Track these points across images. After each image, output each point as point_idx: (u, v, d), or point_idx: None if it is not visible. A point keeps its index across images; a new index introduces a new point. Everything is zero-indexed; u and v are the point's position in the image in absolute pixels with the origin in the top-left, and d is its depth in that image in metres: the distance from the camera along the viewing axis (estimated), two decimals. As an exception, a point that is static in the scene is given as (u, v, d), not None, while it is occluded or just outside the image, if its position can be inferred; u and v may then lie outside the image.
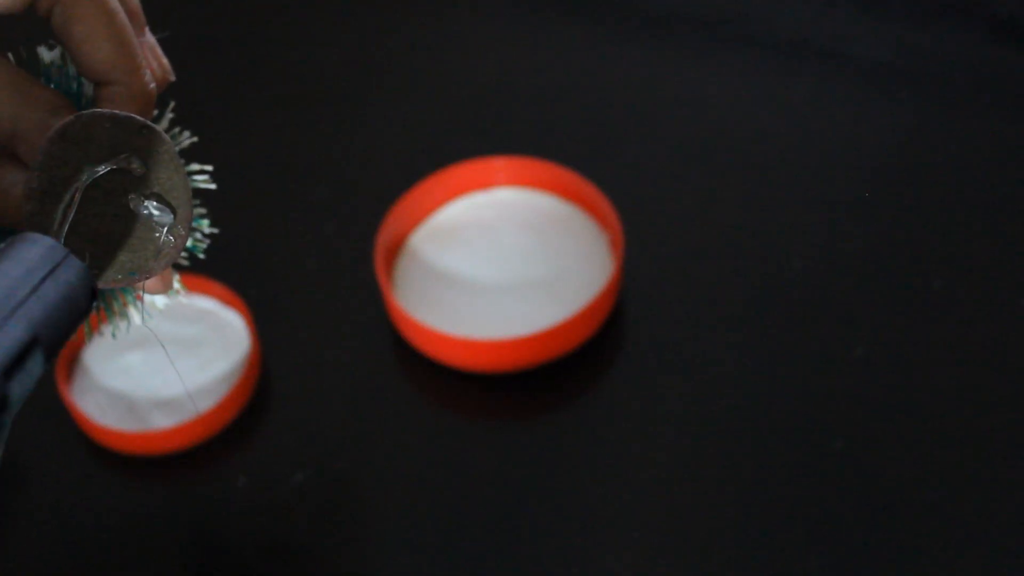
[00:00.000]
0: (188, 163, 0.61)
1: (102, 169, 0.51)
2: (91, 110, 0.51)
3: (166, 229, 0.52)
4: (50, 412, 0.82)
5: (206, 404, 0.80)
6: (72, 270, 0.46)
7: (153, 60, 0.59)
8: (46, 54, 0.58)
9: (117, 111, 0.51)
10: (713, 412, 0.78)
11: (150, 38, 0.60)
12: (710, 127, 0.92)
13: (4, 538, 0.78)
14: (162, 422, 0.80)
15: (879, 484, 0.75)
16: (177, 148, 0.62)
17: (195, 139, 0.61)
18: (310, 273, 0.87)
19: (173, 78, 0.61)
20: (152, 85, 0.55)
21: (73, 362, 0.83)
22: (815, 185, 0.88)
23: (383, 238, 0.84)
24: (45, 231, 0.50)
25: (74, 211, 0.50)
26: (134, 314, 0.59)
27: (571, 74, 0.96)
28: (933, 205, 0.86)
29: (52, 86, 0.56)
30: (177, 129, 0.62)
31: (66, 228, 0.50)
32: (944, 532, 0.73)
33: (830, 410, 0.78)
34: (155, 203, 0.52)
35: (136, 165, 0.51)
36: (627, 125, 0.92)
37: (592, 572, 0.74)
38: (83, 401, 0.81)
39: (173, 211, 0.52)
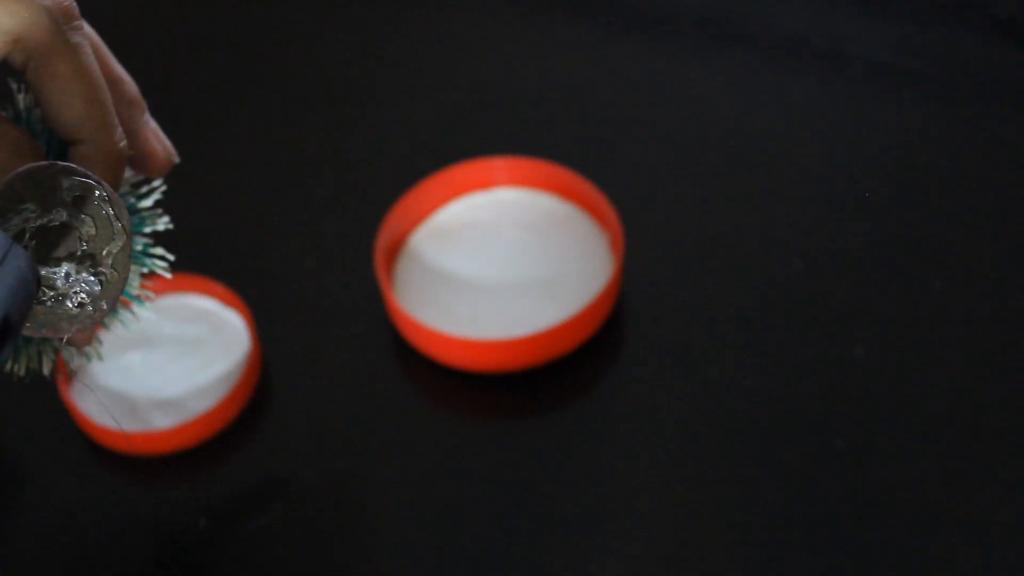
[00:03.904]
0: (156, 238, 0.59)
1: (36, 221, 0.49)
2: (49, 162, 0.50)
3: (87, 297, 0.51)
4: (50, 412, 0.82)
5: (206, 404, 0.80)
6: (21, 257, 0.46)
7: (156, 144, 0.59)
8: (22, 98, 0.57)
9: (78, 168, 0.50)
10: (713, 412, 0.78)
11: (151, 122, 0.60)
12: (710, 127, 0.92)
13: (4, 538, 0.78)
14: (162, 422, 0.80)
15: (879, 484, 0.75)
16: (150, 229, 0.61)
17: (171, 226, 0.60)
18: (310, 273, 0.87)
19: (177, 160, 0.60)
20: (123, 143, 0.54)
21: (73, 362, 0.83)
22: (815, 185, 0.88)
23: (383, 238, 0.84)
24: None
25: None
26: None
27: (571, 74, 0.96)
28: (933, 205, 0.86)
29: (24, 127, 0.56)
30: (159, 211, 0.61)
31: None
32: (944, 532, 0.73)
33: (830, 410, 0.78)
34: (85, 271, 0.51)
35: (73, 223, 0.50)
36: (627, 125, 0.92)
37: (592, 572, 0.74)
38: (83, 401, 0.81)
39: (102, 283, 0.51)
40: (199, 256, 0.89)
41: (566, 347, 0.81)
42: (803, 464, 0.76)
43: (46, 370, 0.59)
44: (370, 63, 0.99)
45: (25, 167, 0.50)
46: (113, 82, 0.58)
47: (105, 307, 0.51)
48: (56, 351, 0.58)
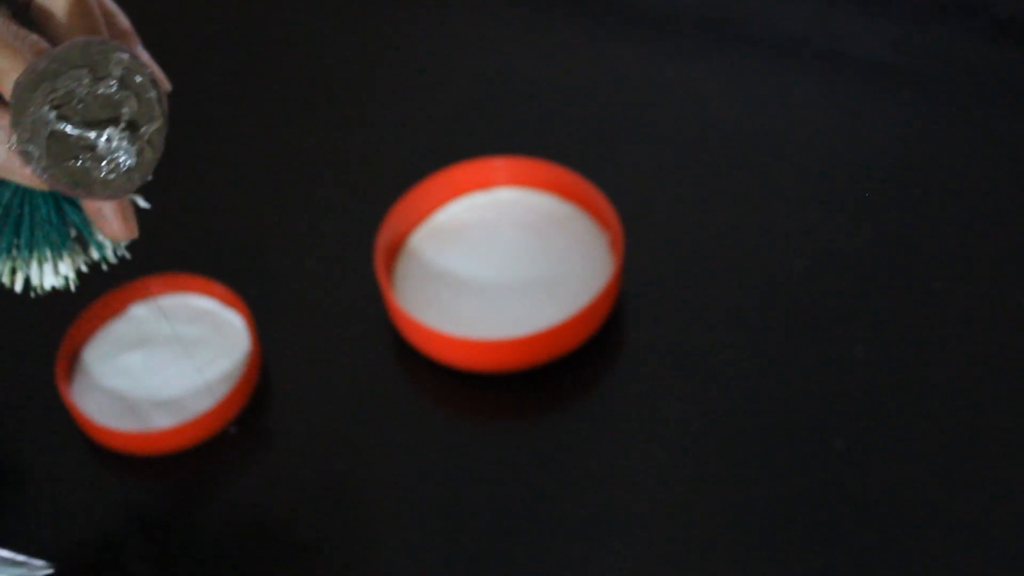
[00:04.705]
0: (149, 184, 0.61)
1: (86, 87, 0.53)
2: (104, 38, 0.53)
3: (122, 166, 0.54)
4: (50, 412, 0.82)
5: (206, 404, 0.80)
6: None
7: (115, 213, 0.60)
8: None
9: (130, 48, 0.54)
10: (713, 412, 0.78)
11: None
12: (710, 127, 0.92)
13: (4, 538, 0.78)
14: (162, 422, 0.80)
15: (879, 484, 0.75)
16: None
17: (148, 206, 0.61)
18: (310, 273, 0.87)
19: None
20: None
21: (73, 362, 0.83)
22: (815, 185, 0.88)
23: (383, 238, 0.84)
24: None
25: (39, 110, 0.53)
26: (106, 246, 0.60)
27: (571, 74, 0.96)
28: (933, 205, 0.86)
29: None
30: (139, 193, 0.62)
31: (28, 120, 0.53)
32: (944, 532, 0.73)
33: (830, 410, 0.78)
34: (126, 140, 0.54)
35: (119, 96, 0.53)
36: (627, 125, 0.92)
37: (592, 572, 0.74)
38: (83, 401, 0.81)
39: (138, 156, 0.54)
40: (199, 256, 0.89)
41: (566, 347, 0.81)
42: (803, 464, 0.76)
43: (110, 254, 0.61)
44: (370, 63, 0.99)
45: (82, 38, 0.53)
46: (106, 15, 0.60)
47: (137, 180, 0.54)
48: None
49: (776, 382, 0.79)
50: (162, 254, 0.89)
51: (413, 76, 0.97)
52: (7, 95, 0.53)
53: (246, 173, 0.93)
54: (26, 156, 0.53)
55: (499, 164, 0.87)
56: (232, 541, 0.77)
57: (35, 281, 0.60)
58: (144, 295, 0.85)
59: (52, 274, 0.60)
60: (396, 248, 0.86)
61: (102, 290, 0.84)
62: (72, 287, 0.61)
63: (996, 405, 0.77)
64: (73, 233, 0.60)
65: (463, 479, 0.78)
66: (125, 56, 0.53)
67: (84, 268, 0.61)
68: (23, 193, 0.59)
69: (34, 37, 0.54)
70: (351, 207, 0.90)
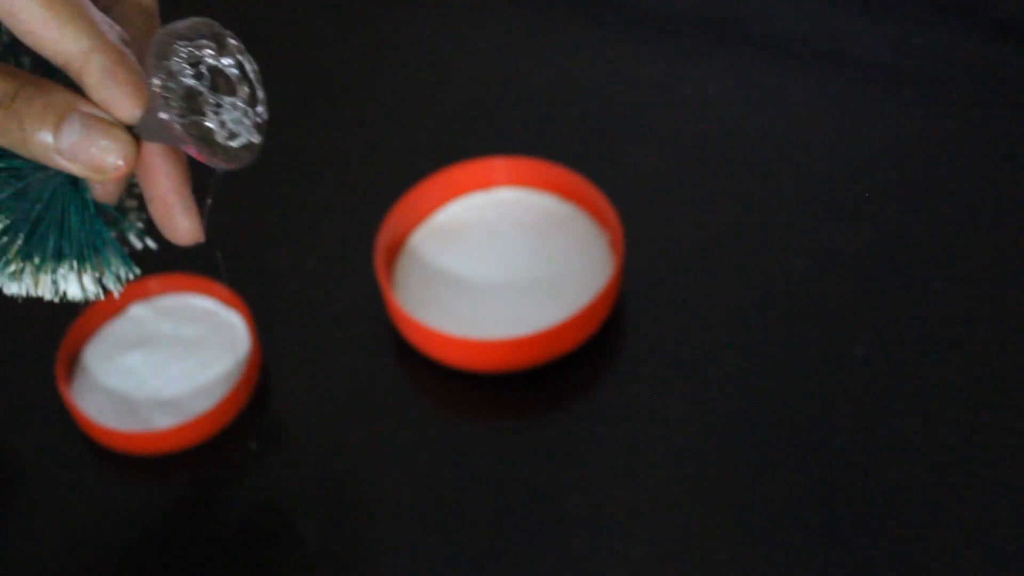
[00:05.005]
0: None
1: (211, 60, 0.56)
2: (190, 18, 0.56)
3: (243, 135, 0.57)
4: (50, 412, 0.82)
5: (206, 404, 0.80)
6: None
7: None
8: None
9: (211, 20, 0.57)
10: (713, 412, 0.78)
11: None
12: (710, 127, 0.92)
13: (4, 538, 0.78)
14: (162, 422, 0.80)
15: (879, 484, 0.75)
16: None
17: (155, 246, 0.62)
18: (310, 273, 0.87)
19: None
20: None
21: (73, 362, 0.83)
22: (815, 185, 0.88)
23: (383, 238, 0.84)
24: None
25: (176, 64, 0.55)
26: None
27: (571, 74, 0.96)
28: (933, 205, 0.86)
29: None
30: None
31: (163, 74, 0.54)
32: (944, 532, 0.73)
33: (830, 410, 0.78)
34: (246, 112, 0.57)
35: (239, 72, 0.57)
36: (627, 125, 0.92)
37: (592, 572, 0.74)
38: (83, 401, 0.81)
39: (253, 132, 0.57)
40: (199, 256, 0.89)
41: (566, 347, 0.81)
42: (803, 464, 0.76)
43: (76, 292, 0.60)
44: (370, 63, 0.99)
45: (202, 18, 0.56)
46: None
47: (247, 159, 0.57)
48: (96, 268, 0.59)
49: (776, 382, 0.79)
50: (162, 254, 0.89)
51: (413, 76, 0.97)
52: (91, 77, 0.53)
53: (246, 173, 0.93)
54: (164, 100, 0.53)
55: (499, 164, 0.87)
56: (232, 541, 0.77)
57: (63, 289, 0.59)
58: (145, 295, 0.85)
59: (77, 285, 0.59)
60: (396, 248, 0.86)
61: (102, 290, 0.84)
62: (93, 299, 0.60)
63: (996, 405, 0.77)
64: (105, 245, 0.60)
65: (463, 479, 0.78)
66: (239, 43, 0.57)
67: (110, 286, 0.60)
68: (62, 197, 0.58)
69: (119, 28, 0.54)
70: (351, 207, 0.90)
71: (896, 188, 0.87)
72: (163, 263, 0.87)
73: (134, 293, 0.85)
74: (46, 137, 0.53)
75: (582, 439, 0.79)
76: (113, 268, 0.60)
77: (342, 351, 0.83)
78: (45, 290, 0.58)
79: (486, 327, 0.81)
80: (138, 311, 0.85)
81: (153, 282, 0.85)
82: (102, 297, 0.59)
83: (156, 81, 0.53)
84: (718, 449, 0.77)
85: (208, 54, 0.55)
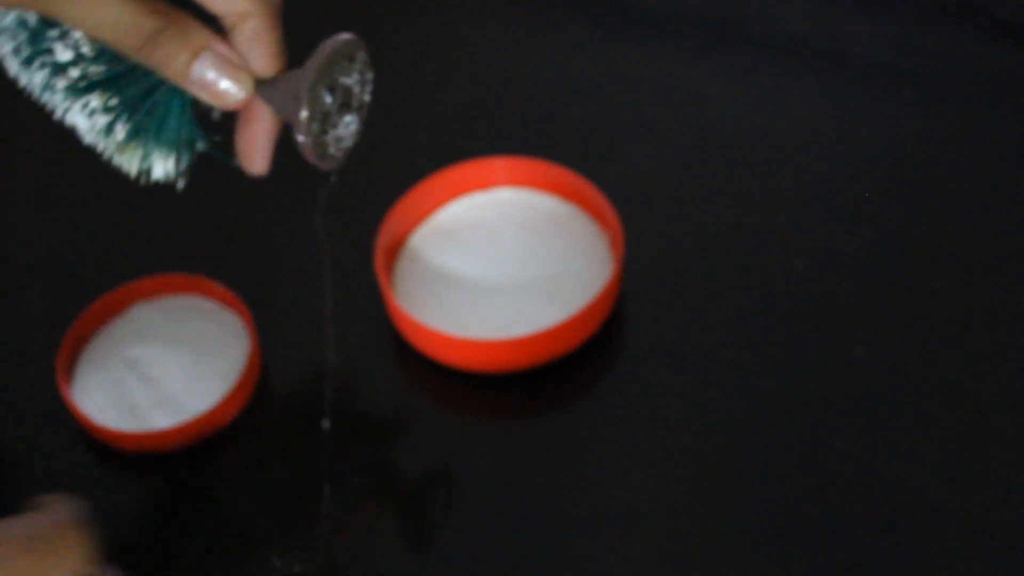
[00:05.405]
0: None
1: (343, 78, 0.64)
2: (355, 36, 0.64)
3: (347, 142, 0.65)
4: (50, 412, 0.82)
5: (206, 404, 0.80)
6: None
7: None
8: None
9: (350, 35, 0.64)
10: (713, 412, 0.78)
11: None
12: (710, 127, 0.92)
13: (4, 538, 0.78)
14: (162, 422, 0.80)
15: (879, 484, 0.75)
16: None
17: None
18: (310, 273, 0.87)
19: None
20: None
21: (73, 362, 0.83)
22: (815, 185, 0.88)
23: (383, 238, 0.84)
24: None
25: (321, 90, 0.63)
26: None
27: (571, 74, 0.96)
28: (933, 205, 0.86)
29: None
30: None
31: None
32: (944, 532, 0.73)
33: (830, 410, 0.78)
34: (355, 121, 0.65)
35: (358, 85, 0.65)
36: (627, 125, 0.92)
37: (592, 572, 0.74)
38: (83, 401, 0.81)
39: (355, 135, 0.65)
40: (199, 256, 0.89)
41: (566, 347, 0.81)
42: (803, 464, 0.76)
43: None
44: (370, 63, 0.98)
45: (344, 34, 0.63)
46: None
47: (342, 159, 0.65)
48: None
49: (776, 382, 0.79)
50: (162, 254, 0.89)
51: (413, 76, 0.97)
52: (242, 34, 0.62)
53: (245, 173, 0.93)
54: (306, 127, 0.62)
55: (499, 164, 0.87)
56: (232, 541, 0.77)
57: (154, 169, 0.66)
58: (145, 295, 0.85)
59: (162, 167, 0.66)
60: (396, 248, 0.86)
61: (102, 290, 0.84)
62: (177, 184, 0.67)
63: (996, 405, 0.77)
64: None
65: (463, 479, 0.78)
66: (363, 54, 0.64)
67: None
68: (167, 90, 0.64)
69: (249, 68, 0.62)
70: (351, 207, 0.90)
71: (896, 188, 0.87)
72: (163, 263, 0.87)
73: (134, 293, 0.85)
74: (183, 65, 0.62)
75: (582, 439, 0.79)
76: (192, 158, 0.67)
77: (342, 351, 0.83)
78: (134, 165, 0.65)
79: (486, 327, 0.81)
80: (138, 311, 0.85)
81: (153, 282, 0.85)
82: (180, 183, 0.67)
83: (304, 113, 0.62)
84: (718, 449, 0.77)
85: (343, 74, 0.63)
